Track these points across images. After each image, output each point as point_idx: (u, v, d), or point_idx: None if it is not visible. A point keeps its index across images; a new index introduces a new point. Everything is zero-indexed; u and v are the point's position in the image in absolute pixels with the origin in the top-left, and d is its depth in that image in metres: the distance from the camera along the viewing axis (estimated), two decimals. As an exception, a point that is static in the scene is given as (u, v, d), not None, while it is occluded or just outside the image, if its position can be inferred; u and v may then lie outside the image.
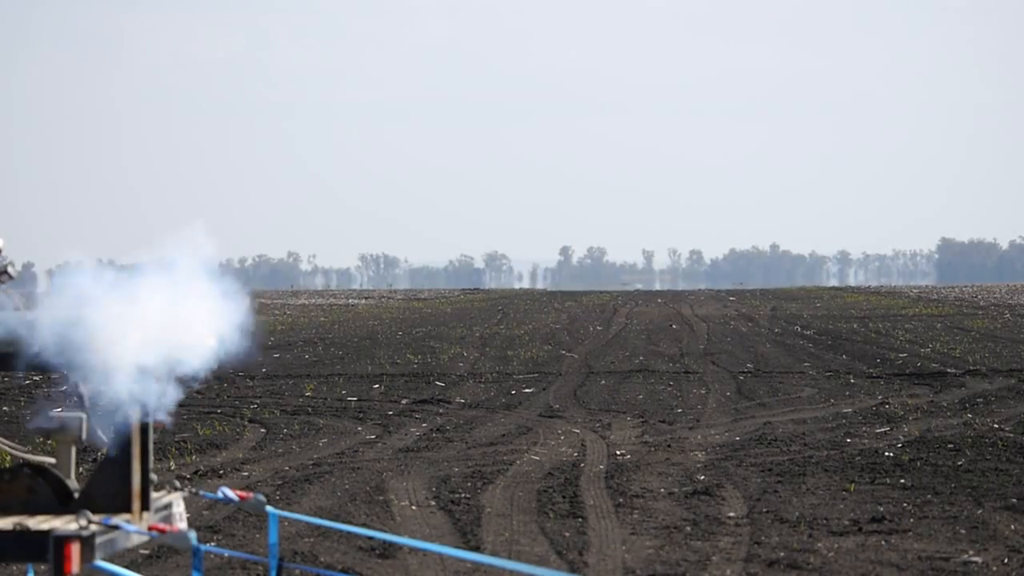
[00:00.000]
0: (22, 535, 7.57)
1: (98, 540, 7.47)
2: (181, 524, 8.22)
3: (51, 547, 7.35)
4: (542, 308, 77.95)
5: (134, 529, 7.64)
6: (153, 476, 7.99)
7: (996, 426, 22.61)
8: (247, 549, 13.46)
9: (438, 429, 23.08)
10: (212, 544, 13.71)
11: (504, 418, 24.69)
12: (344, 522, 14.48)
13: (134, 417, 7.88)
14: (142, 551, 13.07)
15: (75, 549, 7.33)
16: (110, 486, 7.88)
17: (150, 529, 7.69)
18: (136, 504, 7.85)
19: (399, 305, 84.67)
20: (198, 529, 14.30)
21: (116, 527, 7.58)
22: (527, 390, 29.66)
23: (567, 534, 14.37)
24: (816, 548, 13.64)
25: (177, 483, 8.71)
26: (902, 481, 17.42)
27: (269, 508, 8.60)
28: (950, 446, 20.32)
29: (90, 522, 7.56)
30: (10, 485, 8.08)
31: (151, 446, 7.96)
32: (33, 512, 7.99)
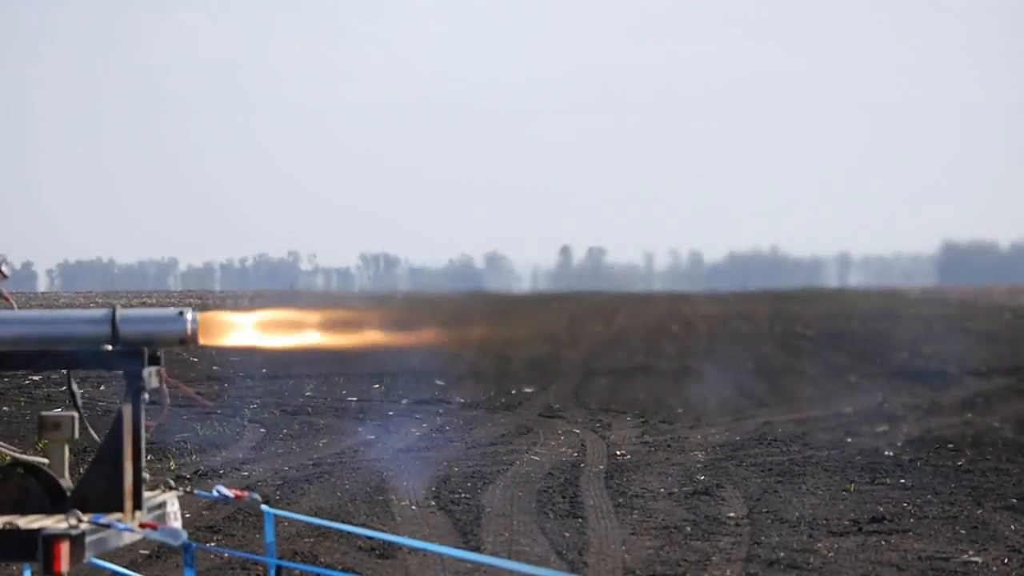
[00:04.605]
0: (12, 534, 7.54)
1: (88, 539, 7.43)
2: (175, 523, 8.19)
3: (40, 546, 7.32)
4: (542, 308, 77.98)
5: (124, 527, 7.60)
6: (146, 475, 7.95)
7: (996, 426, 22.59)
8: (247, 549, 13.42)
9: (438, 429, 23.05)
10: (212, 544, 13.68)
11: (504, 418, 24.66)
12: (344, 522, 14.45)
13: (126, 416, 7.84)
14: (142, 551, 13.04)
15: (64, 548, 7.29)
16: (102, 485, 7.84)
17: (140, 527, 7.66)
18: (128, 503, 7.81)
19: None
20: (198, 529, 14.28)
21: (106, 525, 7.54)
22: (527, 390, 29.63)
23: (567, 534, 14.34)
24: (816, 548, 13.62)
25: (171, 482, 8.68)
26: (902, 481, 17.39)
27: (264, 507, 8.57)
28: (950, 446, 20.29)
29: (80, 521, 7.52)
30: (2, 484, 8.04)
31: (143, 445, 7.92)
32: (25, 511, 7.96)
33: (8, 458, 8.62)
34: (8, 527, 7.59)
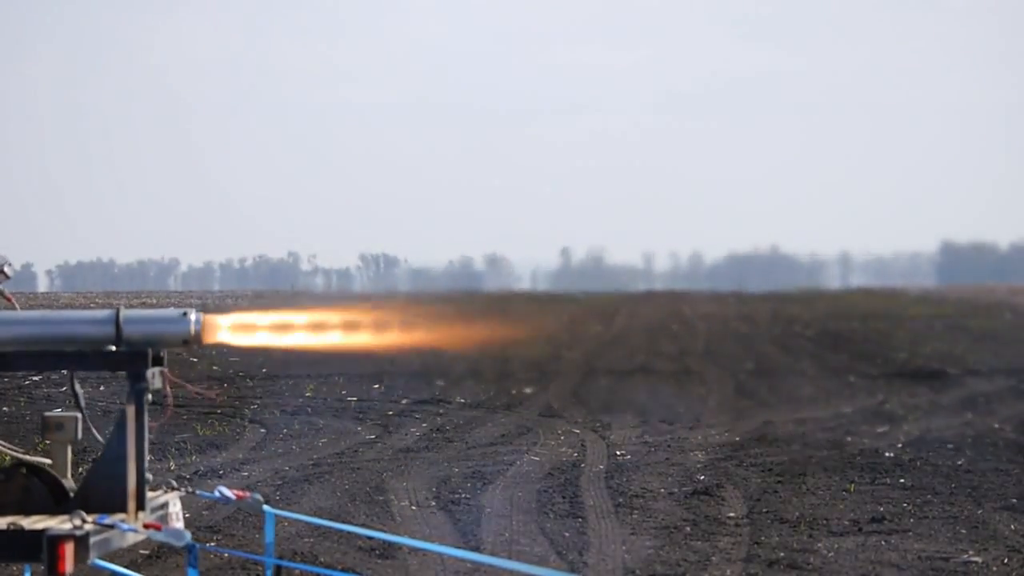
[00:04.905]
0: (16, 535, 7.56)
1: (92, 539, 7.45)
2: (178, 524, 8.21)
3: (45, 547, 7.33)
4: (542, 308, 77.97)
5: (128, 528, 7.61)
6: (148, 476, 7.97)
7: (996, 426, 22.61)
8: (247, 549, 13.43)
9: (438, 429, 23.05)
10: (212, 544, 13.69)
11: (504, 418, 24.66)
12: (344, 522, 14.46)
13: (130, 417, 7.86)
14: (142, 551, 13.05)
15: (69, 549, 7.30)
16: (105, 486, 7.86)
17: (144, 527, 7.67)
18: (131, 504, 7.83)
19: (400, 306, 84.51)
20: (198, 529, 14.28)
21: (110, 526, 7.56)
22: (527, 390, 29.64)
23: (567, 534, 14.35)
24: (816, 548, 13.63)
25: (173, 483, 8.70)
26: (902, 481, 17.40)
27: (266, 507, 8.59)
28: (950, 446, 20.31)
29: (84, 521, 7.53)
30: (6, 485, 8.06)
31: (146, 445, 7.94)
32: (28, 512, 7.98)
33: (8, 458, 8.63)
34: (12, 527, 7.61)
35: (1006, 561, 13.13)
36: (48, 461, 8.31)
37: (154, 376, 7.97)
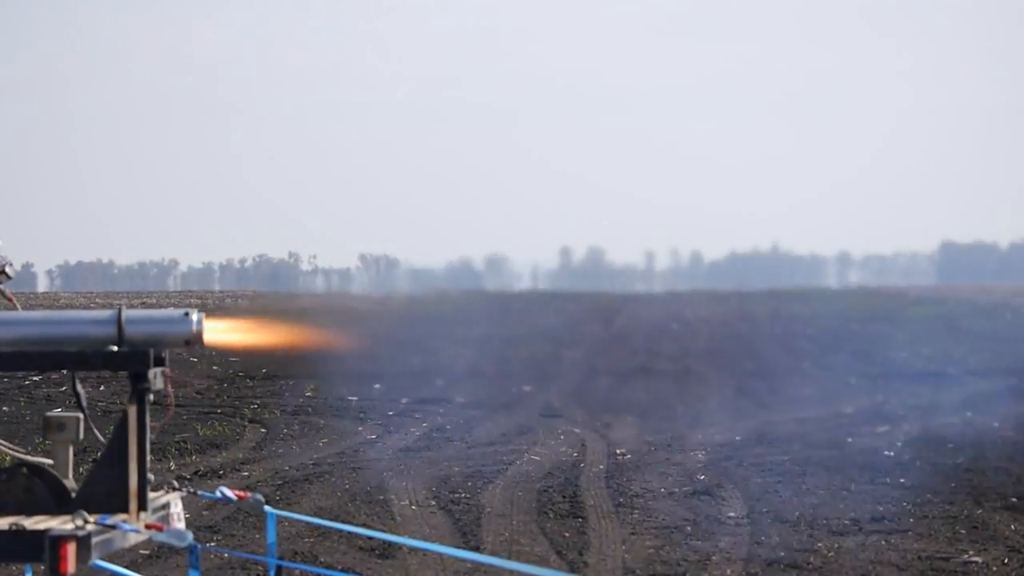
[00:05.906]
0: (18, 535, 7.55)
1: (94, 540, 7.44)
2: (179, 524, 8.20)
3: (47, 547, 7.33)
4: (542, 308, 77.92)
5: (130, 528, 7.61)
6: (150, 476, 7.97)
7: (996, 426, 22.61)
8: (247, 549, 13.45)
9: (438, 429, 23.07)
10: (212, 544, 13.70)
11: (504, 418, 24.67)
12: (344, 522, 14.47)
13: (131, 417, 7.86)
14: (142, 551, 13.07)
15: (71, 549, 7.30)
16: (107, 486, 7.86)
17: (146, 528, 7.67)
18: (133, 504, 7.83)
19: (400, 306, 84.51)
20: (198, 529, 14.29)
21: (112, 527, 7.56)
22: (527, 390, 29.65)
23: (567, 534, 14.36)
24: (816, 548, 13.63)
25: (175, 483, 8.69)
26: (902, 481, 17.41)
27: (267, 508, 8.59)
28: (950, 446, 20.31)
29: (86, 522, 7.53)
30: (7, 485, 8.05)
31: (148, 446, 7.94)
32: (30, 512, 7.97)
33: (9, 459, 8.63)
34: (14, 528, 7.61)
35: (1006, 561, 13.14)
36: (49, 461, 8.30)
37: (156, 376, 7.96)
